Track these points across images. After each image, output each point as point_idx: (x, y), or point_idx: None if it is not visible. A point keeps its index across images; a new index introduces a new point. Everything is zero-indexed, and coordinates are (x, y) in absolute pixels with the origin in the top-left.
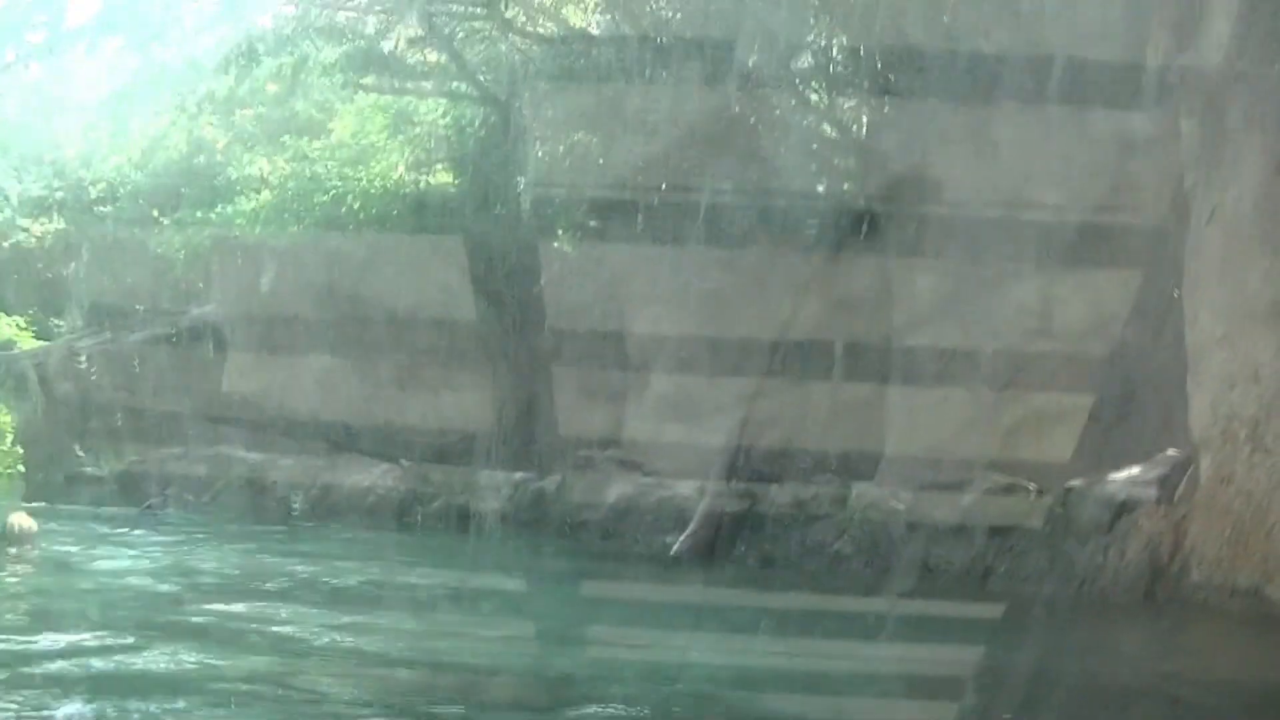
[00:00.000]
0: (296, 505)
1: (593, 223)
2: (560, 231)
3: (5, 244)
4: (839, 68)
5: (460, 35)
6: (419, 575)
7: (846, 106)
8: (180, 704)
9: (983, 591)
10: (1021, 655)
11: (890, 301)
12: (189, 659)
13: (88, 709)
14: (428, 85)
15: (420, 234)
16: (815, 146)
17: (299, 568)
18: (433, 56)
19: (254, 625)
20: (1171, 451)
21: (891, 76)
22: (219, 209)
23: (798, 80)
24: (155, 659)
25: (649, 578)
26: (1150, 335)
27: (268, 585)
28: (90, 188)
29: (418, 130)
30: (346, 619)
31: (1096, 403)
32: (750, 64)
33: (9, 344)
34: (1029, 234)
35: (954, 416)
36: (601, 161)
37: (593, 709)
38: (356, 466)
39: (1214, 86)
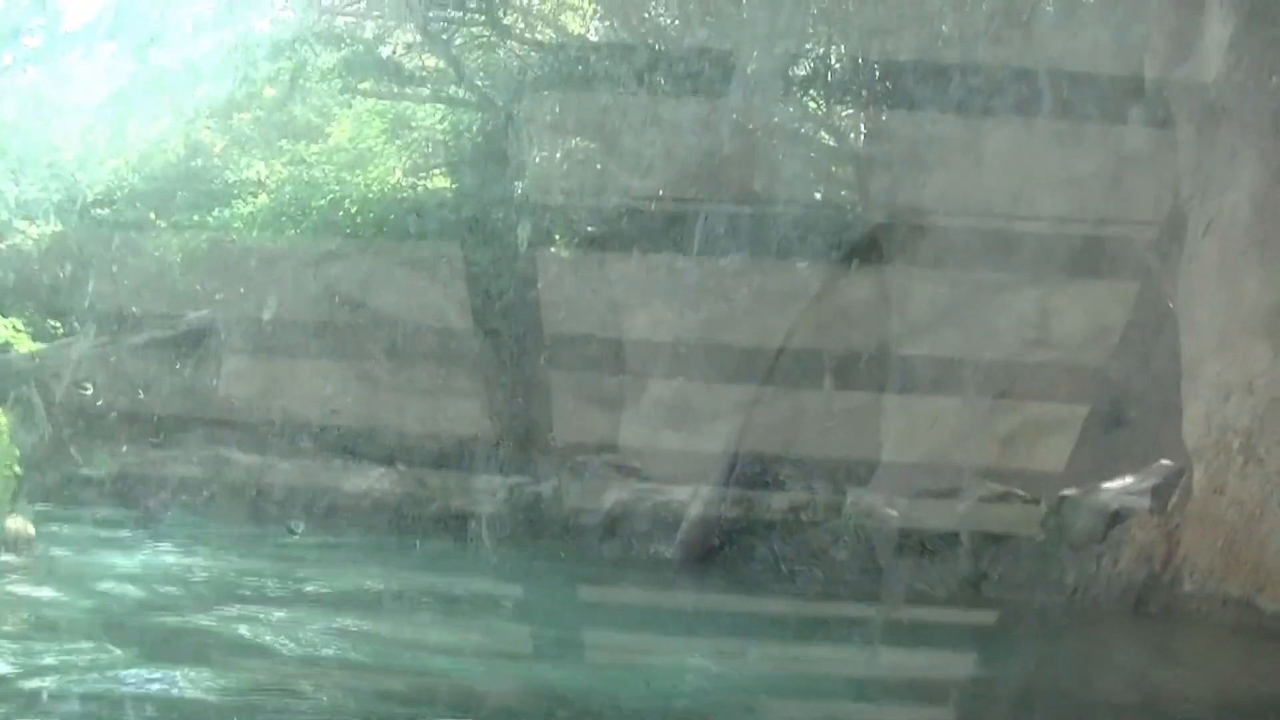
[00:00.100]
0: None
1: (590, 229)
2: (557, 237)
3: (2, 246)
4: (837, 77)
5: (458, 41)
6: (414, 580)
7: (845, 115)
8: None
9: (976, 599)
10: (1011, 663)
11: (888, 310)
12: (186, 670)
13: None
14: (425, 91)
15: (417, 238)
16: (814, 155)
17: (295, 573)
18: (430, 62)
19: (250, 633)
20: (1165, 461)
21: (890, 86)
22: (216, 213)
23: (796, 89)
24: (150, 671)
25: (643, 583)
26: (1146, 346)
27: (265, 591)
28: (87, 190)
29: (415, 135)
30: (340, 625)
31: (1092, 412)
32: (749, 72)
33: (5, 346)
34: (1026, 244)
35: (950, 425)
36: (599, 168)
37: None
38: (353, 471)
39: (1211, 98)
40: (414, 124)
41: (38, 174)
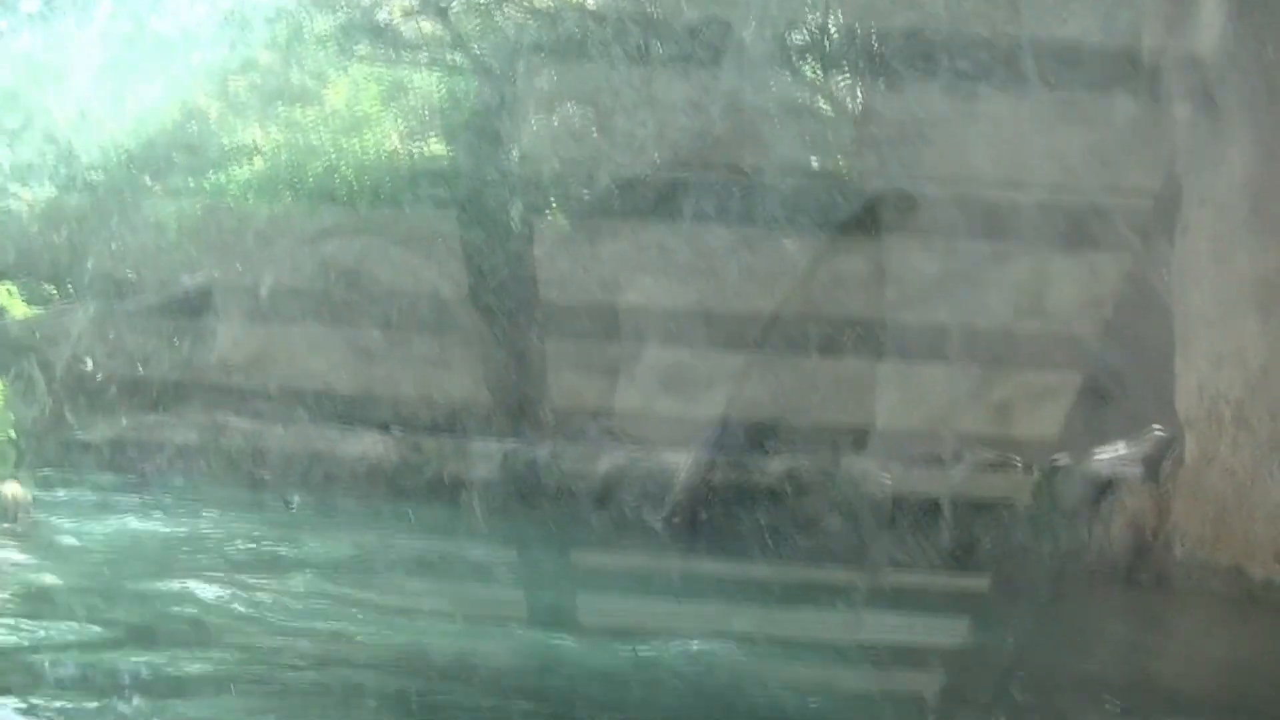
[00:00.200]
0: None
1: (586, 195)
2: (554, 203)
3: None
4: (835, 45)
5: (455, 6)
6: (407, 545)
7: (842, 83)
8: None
9: (967, 566)
10: (1001, 628)
11: (883, 278)
12: (176, 635)
13: None
14: (422, 56)
15: (413, 204)
16: (810, 125)
17: (291, 538)
18: (427, 27)
19: (245, 598)
20: (1157, 430)
21: (887, 55)
22: (212, 177)
23: (794, 56)
24: (140, 636)
25: (635, 548)
26: (1140, 315)
27: (260, 557)
28: (82, 154)
29: (412, 101)
30: (333, 590)
31: (1085, 381)
32: (747, 39)
33: (1, 311)
34: (1021, 216)
35: (945, 392)
36: (596, 134)
37: (573, 681)
38: (349, 436)
39: (1207, 70)
40: (410, 89)
41: (33, 139)
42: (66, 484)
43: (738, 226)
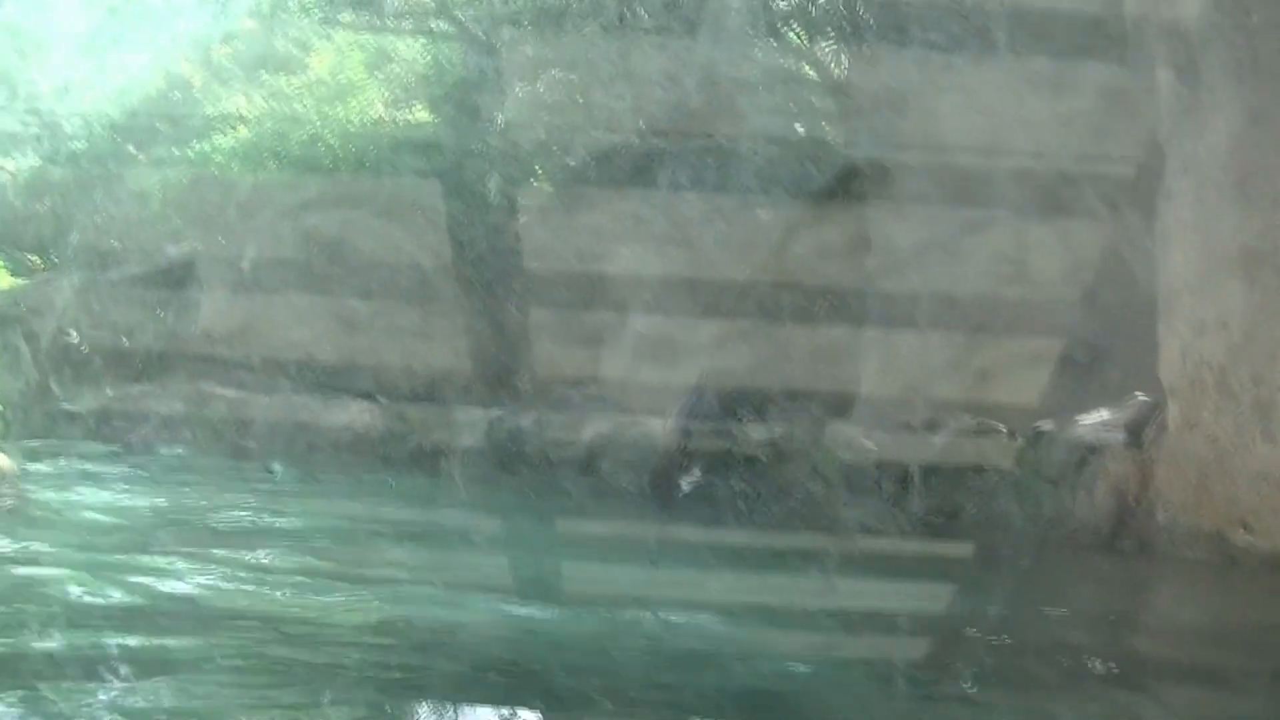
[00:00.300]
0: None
1: (571, 163)
2: (539, 171)
3: None
4: (819, 10)
5: None
6: (391, 514)
7: (826, 49)
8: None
9: (951, 532)
10: (983, 595)
11: (867, 245)
12: (156, 605)
13: None
14: (407, 23)
15: (398, 172)
16: (795, 89)
17: (274, 507)
18: None
19: (227, 569)
20: (1140, 396)
21: (871, 20)
22: (196, 146)
23: (779, 21)
24: (122, 605)
25: (617, 516)
26: (1123, 282)
27: (243, 526)
28: (65, 123)
29: (396, 68)
30: (314, 561)
31: (1069, 347)
32: (731, 5)
33: None
34: (1005, 181)
35: (928, 359)
36: (581, 101)
37: (555, 650)
38: (334, 405)
39: (1191, 38)
40: (395, 57)
41: (15, 109)
42: (53, 455)
43: (722, 190)
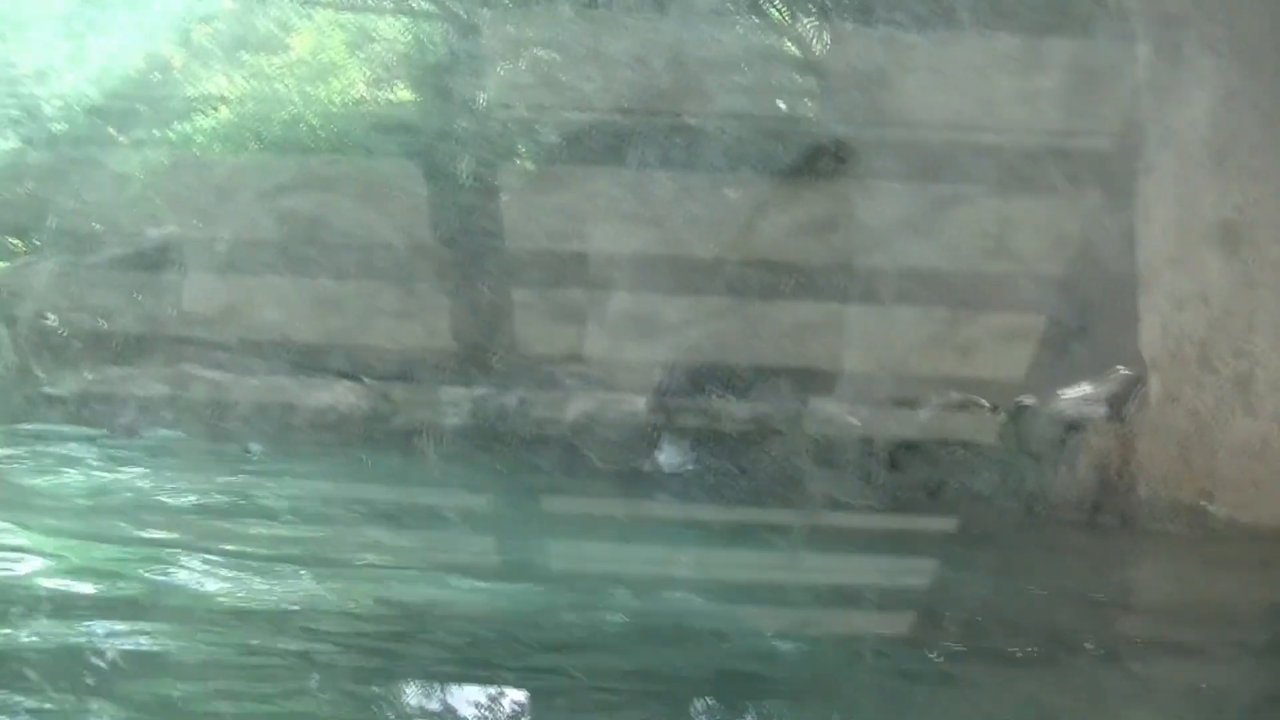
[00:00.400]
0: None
1: (554, 140)
2: (521, 149)
3: None
4: None
5: None
6: (376, 493)
7: (808, 25)
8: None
9: (933, 507)
10: (965, 569)
11: (850, 221)
12: (132, 586)
13: None
14: (388, 2)
15: (380, 151)
16: (777, 65)
17: (258, 488)
18: None
19: (211, 551)
20: (1122, 369)
21: None
22: (176, 128)
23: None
24: (98, 590)
25: (606, 493)
26: (1104, 256)
27: (230, 508)
28: (45, 105)
29: (378, 48)
30: (299, 542)
31: (1050, 322)
32: None
33: None
34: (986, 156)
35: (911, 334)
36: (563, 79)
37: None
38: (318, 385)
39: (1170, 10)
40: (376, 36)
41: None
42: (33, 438)
43: (705, 167)
